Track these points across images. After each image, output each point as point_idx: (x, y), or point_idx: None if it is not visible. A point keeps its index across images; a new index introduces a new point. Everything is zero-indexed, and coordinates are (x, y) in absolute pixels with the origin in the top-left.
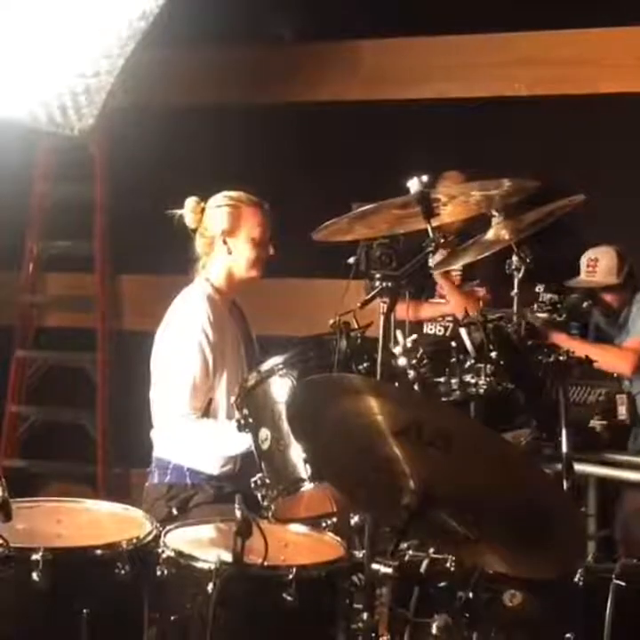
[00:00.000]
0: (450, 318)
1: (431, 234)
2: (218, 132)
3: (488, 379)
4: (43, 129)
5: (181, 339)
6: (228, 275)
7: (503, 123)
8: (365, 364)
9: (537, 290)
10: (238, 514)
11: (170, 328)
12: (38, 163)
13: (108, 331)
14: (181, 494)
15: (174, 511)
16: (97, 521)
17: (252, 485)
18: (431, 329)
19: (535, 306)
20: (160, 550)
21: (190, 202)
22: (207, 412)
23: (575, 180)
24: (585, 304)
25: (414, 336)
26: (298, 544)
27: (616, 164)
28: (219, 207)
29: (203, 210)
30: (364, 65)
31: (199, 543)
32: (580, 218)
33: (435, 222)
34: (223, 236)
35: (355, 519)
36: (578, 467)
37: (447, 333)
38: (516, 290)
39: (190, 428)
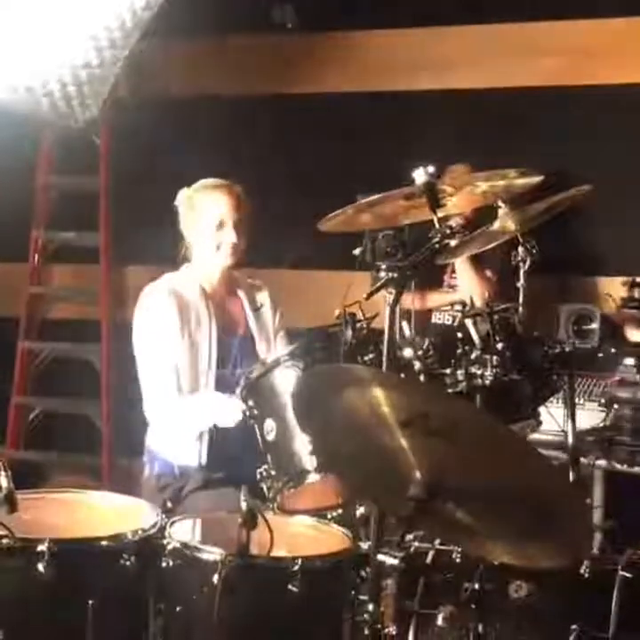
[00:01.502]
0: (458, 307)
1: (437, 224)
2: (222, 122)
3: (494, 370)
4: (47, 119)
5: (146, 333)
6: (202, 265)
7: (510, 114)
8: (371, 355)
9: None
10: (244, 505)
11: (137, 321)
12: (43, 154)
13: (113, 322)
14: (172, 484)
15: (169, 504)
16: (102, 512)
17: (257, 477)
18: (439, 318)
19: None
20: (165, 541)
21: (181, 194)
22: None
23: (584, 171)
24: None
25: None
26: (303, 535)
27: (627, 156)
28: (181, 197)
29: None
30: (369, 55)
31: (205, 534)
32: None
33: (440, 213)
34: (184, 224)
35: (360, 510)
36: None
37: (456, 322)
38: (521, 281)
39: (175, 409)
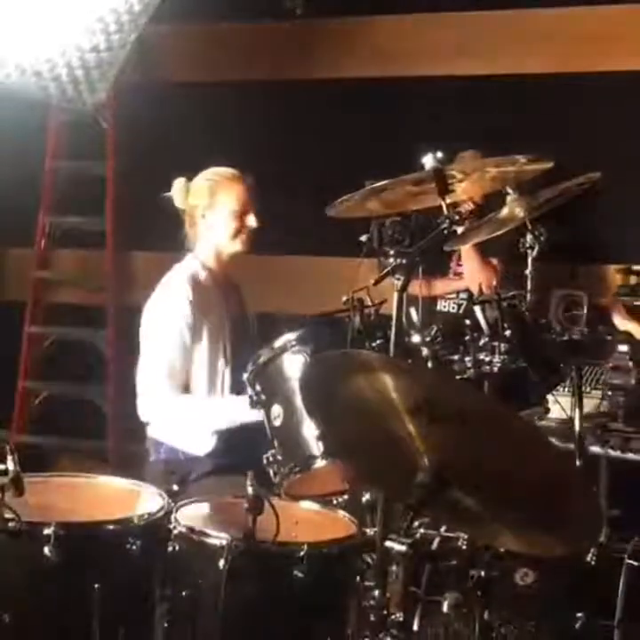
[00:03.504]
0: (463, 295)
1: (446, 210)
2: (230, 108)
3: (502, 357)
4: (55, 103)
5: (161, 320)
6: (214, 250)
7: (519, 100)
8: (379, 342)
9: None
10: (250, 490)
11: (152, 307)
12: (50, 138)
13: (120, 307)
14: (180, 469)
15: (175, 487)
16: (108, 496)
17: (264, 462)
18: (445, 306)
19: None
20: (172, 526)
21: (178, 182)
22: (188, 390)
23: (592, 158)
24: None
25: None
26: (309, 521)
27: (634, 141)
28: (196, 185)
29: (189, 188)
30: (376, 41)
31: (211, 519)
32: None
33: (449, 199)
34: (202, 211)
35: (366, 496)
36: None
37: (461, 310)
38: (529, 268)
39: (170, 406)
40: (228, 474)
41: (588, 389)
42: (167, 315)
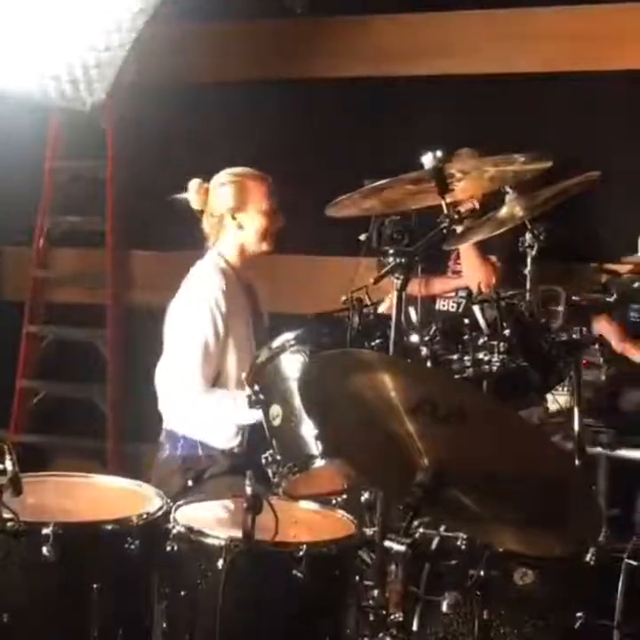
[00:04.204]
0: (462, 294)
1: (445, 209)
2: (229, 108)
3: (501, 356)
4: (54, 104)
5: (195, 308)
6: (239, 249)
7: (517, 99)
8: (378, 341)
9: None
10: (248, 490)
11: (183, 298)
12: (50, 138)
13: (119, 306)
14: (196, 466)
15: (190, 482)
16: (107, 496)
17: (263, 462)
18: (444, 305)
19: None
20: (170, 526)
21: (194, 184)
22: (217, 383)
23: (590, 157)
24: (637, 284)
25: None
26: (308, 521)
27: (631, 141)
28: (223, 185)
29: (207, 190)
30: (376, 40)
31: (210, 519)
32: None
33: (448, 198)
34: (232, 213)
35: (365, 496)
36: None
37: (460, 309)
38: (528, 267)
39: (200, 397)
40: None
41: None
42: (201, 304)
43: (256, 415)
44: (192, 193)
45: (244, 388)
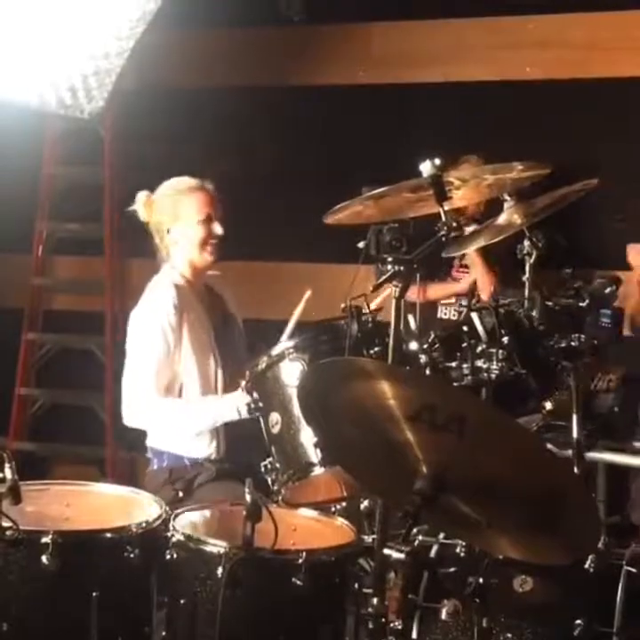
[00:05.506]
0: (464, 302)
1: (444, 217)
2: (227, 115)
3: (500, 364)
4: (52, 111)
5: (145, 323)
6: (187, 262)
7: (516, 106)
8: (377, 348)
9: (565, 274)
10: (248, 498)
11: (137, 312)
12: (48, 145)
13: (117, 313)
14: (184, 476)
15: (180, 494)
16: (106, 504)
17: (262, 469)
18: (445, 313)
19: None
20: (170, 534)
21: (141, 196)
22: (178, 391)
23: (588, 164)
24: (608, 289)
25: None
26: (308, 528)
27: (630, 148)
28: (156, 200)
29: (152, 203)
30: (374, 48)
31: (209, 527)
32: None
33: (447, 206)
34: (167, 226)
35: (365, 504)
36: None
37: (462, 318)
38: (527, 274)
39: (152, 407)
40: (231, 479)
41: None
42: (151, 318)
43: (212, 422)
44: (139, 205)
45: (210, 392)
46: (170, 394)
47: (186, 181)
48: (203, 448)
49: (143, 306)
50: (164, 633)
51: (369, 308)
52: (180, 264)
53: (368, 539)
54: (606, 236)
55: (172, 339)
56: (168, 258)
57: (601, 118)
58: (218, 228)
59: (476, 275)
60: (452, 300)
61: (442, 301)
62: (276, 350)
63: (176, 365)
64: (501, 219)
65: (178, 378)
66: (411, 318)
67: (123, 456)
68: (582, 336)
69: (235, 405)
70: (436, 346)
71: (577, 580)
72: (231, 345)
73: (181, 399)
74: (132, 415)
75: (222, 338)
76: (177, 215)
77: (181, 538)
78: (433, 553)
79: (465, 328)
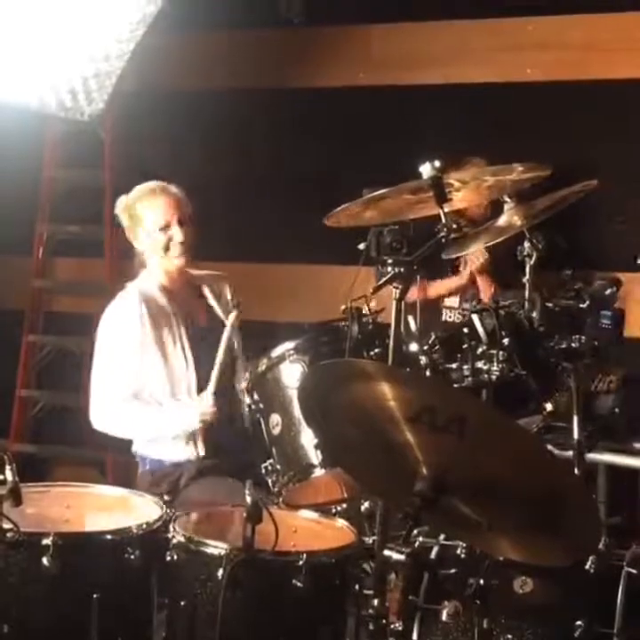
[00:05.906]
0: (467, 305)
1: (444, 219)
2: (228, 117)
3: (500, 365)
4: (53, 114)
5: (110, 331)
6: (160, 267)
7: (516, 108)
8: (377, 350)
9: (565, 276)
10: (249, 499)
11: (104, 320)
12: (48, 148)
13: None
14: (168, 477)
15: (165, 497)
16: (107, 506)
17: (263, 471)
18: (450, 316)
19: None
20: (170, 535)
21: (120, 201)
22: (145, 396)
23: (588, 165)
24: (608, 291)
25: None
26: (308, 530)
27: (629, 148)
28: (120, 206)
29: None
30: (374, 49)
31: (209, 528)
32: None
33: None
34: (130, 233)
35: (365, 505)
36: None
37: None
38: (527, 276)
39: (114, 412)
40: (214, 474)
41: None
42: (116, 326)
43: (173, 430)
44: (119, 210)
45: (180, 395)
46: (138, 398)
47: (146, 188)
48: (180, 451)
49: (109, 313)
50: (164, 634)
51: (369, 309)
52: (155, 269)
53: (369, 540)
54: (606, 238)
55: (135, 345)
56: (144, 263)
57: (600, 119)
58: (177, 235)
59: (479, 280)
60: (456, 305)
61: (445, 305)
62: (276, 352)
63: (143, 369)
64: (501, 220)
65: (145, 382)
66: (411, 320)
67: (123, 458)
68: (582, 337)
69: (191, 415)
70: (437, 347)
71: (577, 581)
72: (209, 347)
73: (146, 405)
74: (98, 421)
75: (198, 340)
76: (137, 220)
77: (182, 539)
78: (433, 554)
79: (465, 329)
